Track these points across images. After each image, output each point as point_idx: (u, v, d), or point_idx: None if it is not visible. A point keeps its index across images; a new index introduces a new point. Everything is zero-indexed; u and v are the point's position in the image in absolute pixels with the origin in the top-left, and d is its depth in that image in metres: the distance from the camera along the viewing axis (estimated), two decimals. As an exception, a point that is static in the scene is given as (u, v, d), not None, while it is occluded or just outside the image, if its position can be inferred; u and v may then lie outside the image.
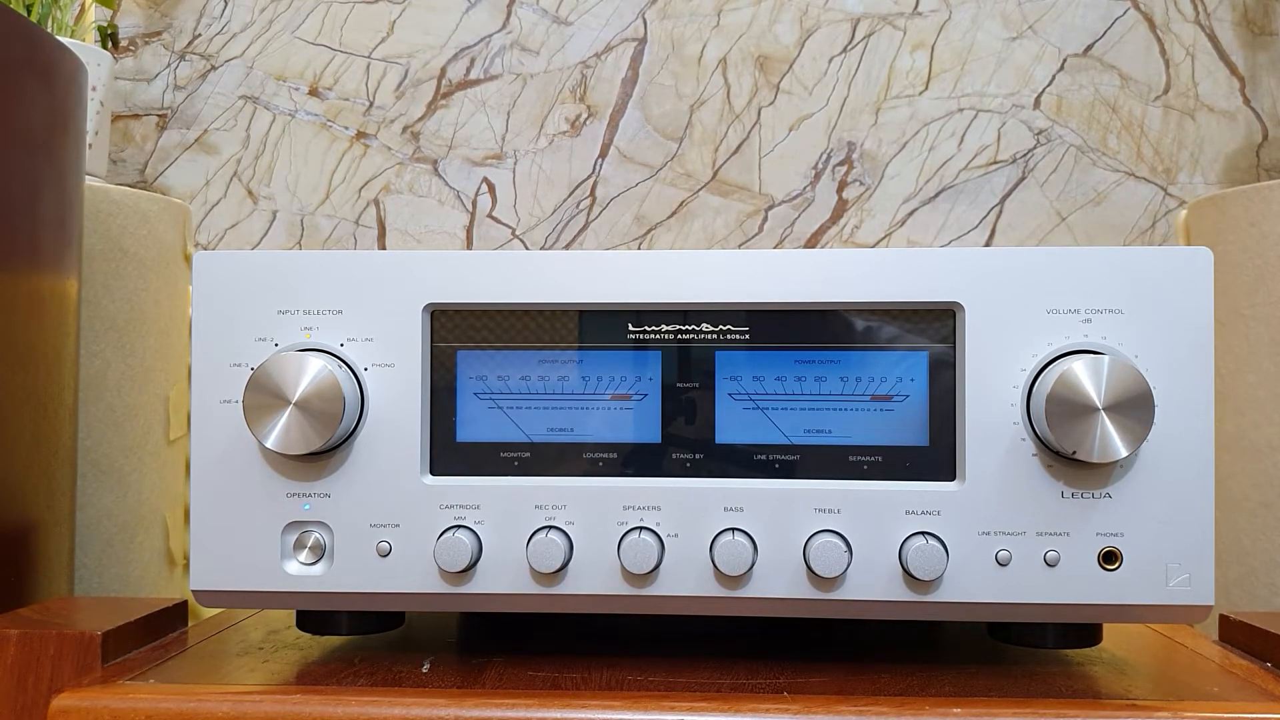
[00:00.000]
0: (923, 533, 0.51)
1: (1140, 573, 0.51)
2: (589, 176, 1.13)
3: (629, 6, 1.13)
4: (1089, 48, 1.10)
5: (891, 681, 0.51)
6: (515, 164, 1.14)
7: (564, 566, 0.52)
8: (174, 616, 0.62)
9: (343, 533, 0.53)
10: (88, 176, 0.87)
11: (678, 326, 0.54)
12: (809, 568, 0.51)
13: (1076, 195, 1.10)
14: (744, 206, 1.12)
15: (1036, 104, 1.11)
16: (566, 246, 1.13)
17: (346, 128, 1.14)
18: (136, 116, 1.15)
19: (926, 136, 1.11)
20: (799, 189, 1.12)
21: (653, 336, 0.54)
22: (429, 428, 0.54)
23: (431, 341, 0.54)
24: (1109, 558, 0.51)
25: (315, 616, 0.57)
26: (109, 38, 1.06)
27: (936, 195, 1.11)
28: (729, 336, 0.54)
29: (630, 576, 0.52)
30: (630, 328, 0.54)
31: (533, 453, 0.54)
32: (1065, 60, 1.10)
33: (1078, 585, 0.51)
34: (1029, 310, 0.52)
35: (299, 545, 0.54)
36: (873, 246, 1.11)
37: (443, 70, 1.14)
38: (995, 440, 0.52)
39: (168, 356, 0.92)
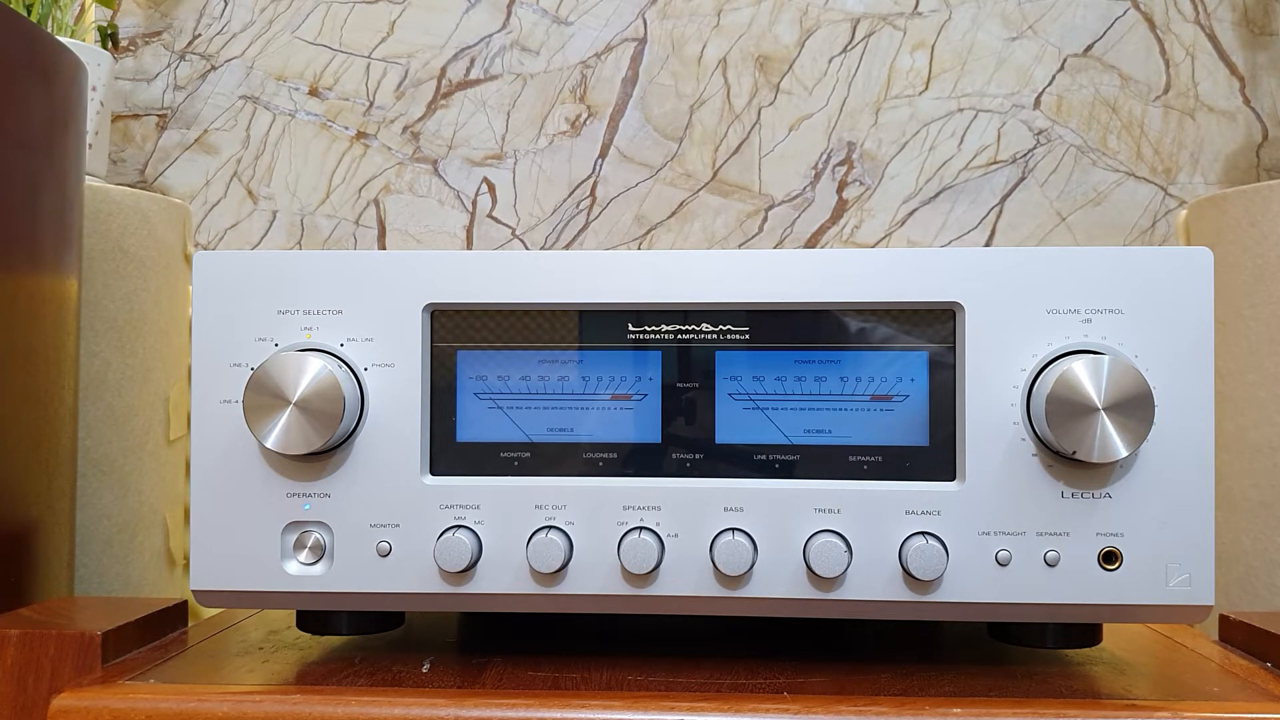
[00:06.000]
0: (923, 533, 0.51)
1: (1140, 573, 0.51)
2: (589, 176, 1.13)
3: (629, 6, 1.13)
4: (1089, 48, 1.10)
5: (891, 681, 0.51)
6: (515, 164, 1.14)
7: (564, 566, 0.52)
8: (174, 616, 0.62)
9: (343, 533, 0.53)
10: (88, 176, 0.87)
11: (678, 326, 0.54)
12: (809, 568, 0.51)
13: (1076, 195, 1.10)
14: (744, 206, 1.12)
15: (1036, 104, 1.11)
16: (566, 246, 1.13)
17: (346, 128, 1.14)
18: (136, 116, 1.15)
19: (926, 136, 1.11)
20: (799, 189, 1.12)
21: (653, 336, 0.54)
22: (429, 428, 0.54)
23: (431, 341, 0.54)
24: (1109, 558, 0.51)
25: (315, 616, 0.57)
26: (109, 38, 1.06)
27: (936, 195, 1.11)
28: (729, 336, 0.54)
29: (630, 576, 0.52)
30: (630, 328, 0.54)
31: (533, 453, 0.54)
32: (1065, 60, 1.10)
33: (1078, 585, 0.51)
34: (1029, 310, 0.52)
35: (299, 545, 0.54)
36: (873, 246, 1.11)
37: (443, 70, 1.14)
38: (995, 440, 0.52)
39: (168, 356, 0.92)
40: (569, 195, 1.13)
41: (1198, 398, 0.51)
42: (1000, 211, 1.11)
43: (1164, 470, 0.51)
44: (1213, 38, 1.10)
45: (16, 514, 0.67)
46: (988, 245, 1.10)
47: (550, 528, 0.52)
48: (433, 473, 0.54)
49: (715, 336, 0.54)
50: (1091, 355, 0.50)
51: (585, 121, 1.13)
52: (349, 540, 0.53)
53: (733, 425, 0.54)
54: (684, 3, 1.13)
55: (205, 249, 1.14)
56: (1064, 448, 0.49)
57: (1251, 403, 0.84)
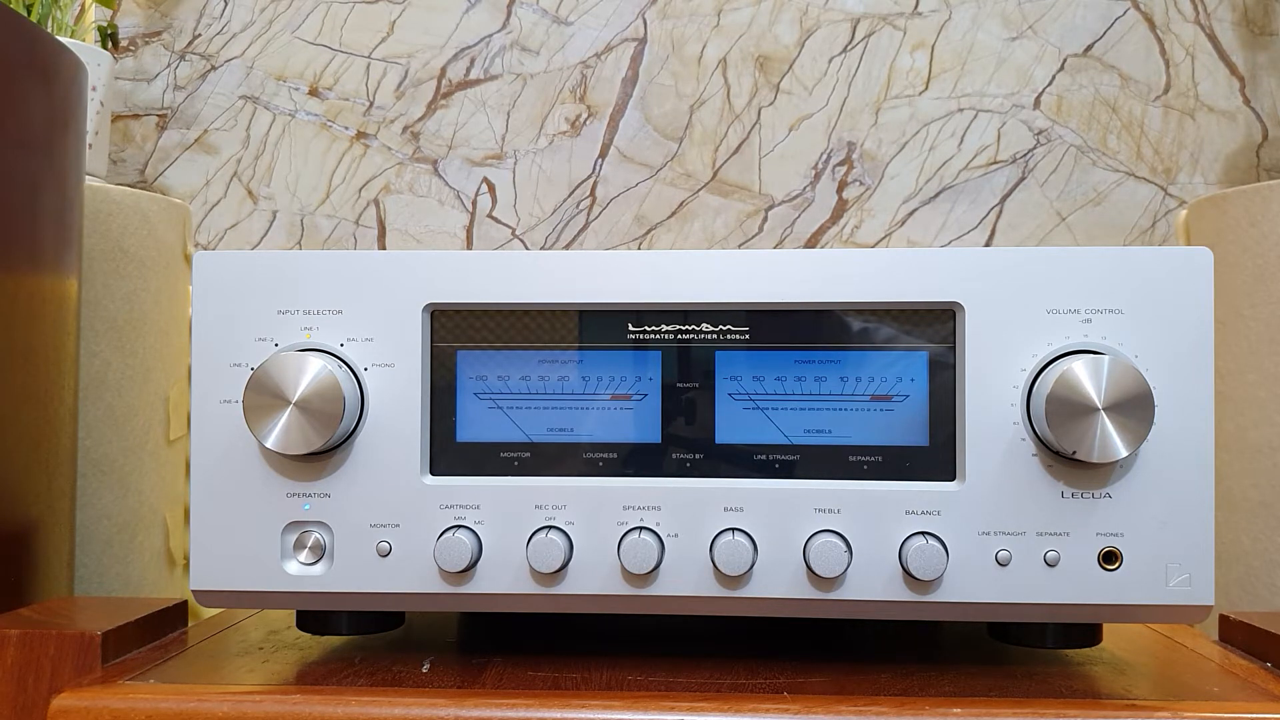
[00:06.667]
0: (923, 533, 0.51)
1: (1140, 573, 0.51)
2: (589, 176, 1.13)
3: (629, 6, 1.13)
4: (1089, 48, 1.10)
5: (891, 681, 0.51)
6: (515, 164, 1.14)
7: (564, 566, 0.52)
8: (174, 616, 0.62)
9: (343, 533, 0.53)
10: (88, 176, 0.87)
11: (678, 326, 0.54)
12: (809, 568, 0.51)
13: (1076, 195, 1.10)
14: (744, 206, 1.12)
15: (1036, 104, 1.11)
16: (566, 246, 1.13)
17: (346, 128, 1.14)
18: (136, 116, 1.15)
19: (926, 136, 1.11)
20: (799, 189, 1.12)
21: (653, 336, 0.54)
22: (429, 428, 0.54)
23: (431, 341, 0.54)
24: (1109, 558, 0.51)
25: (315, 616, 0.57)
26: (109, 38, 1.06)
27: (936, 195, 1.11)
28: (729, 336, 0.54)
29: (630, 576, 0.52)
30: (630, 328, 0.54)
31: (533, 453, 0.54)
32: (1065, 60, 1.10)
33: (1078, 585, 0.51)
34: (1029, 310, 0.52)
35: (299, 545, 0.54)
36: (873, 246, 1.11)
37: (443, 70, 1.14)
38: (995, 440, 0.52)
39: (168, 356, 0.92)
40: (569, 195, 1.13)
41: (1198, 398, 0.51)
42: (1000, 211, 1.11)
43: (1164, 470, 0.51)
44: (1213, 38, 1.10)
45: (16, 514, 0.67)
46: (988, 245, 1.10)
47: (550, 528, 0.52)
48: (433, 473, 0.54)
49: (715, 336, 0.54)
50: (1091, 355, 0.50)
51: (585, 121, 1.13)
52: (349, 540, 0.53)
53: (733, 425, 0.54)
54: (684, 3, 1.13)
55: (205, 249, 1.14)
56: (1064, 448, 0.49)
57: (1251, 403, 0.84)
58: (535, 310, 0.54)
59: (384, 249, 1.14)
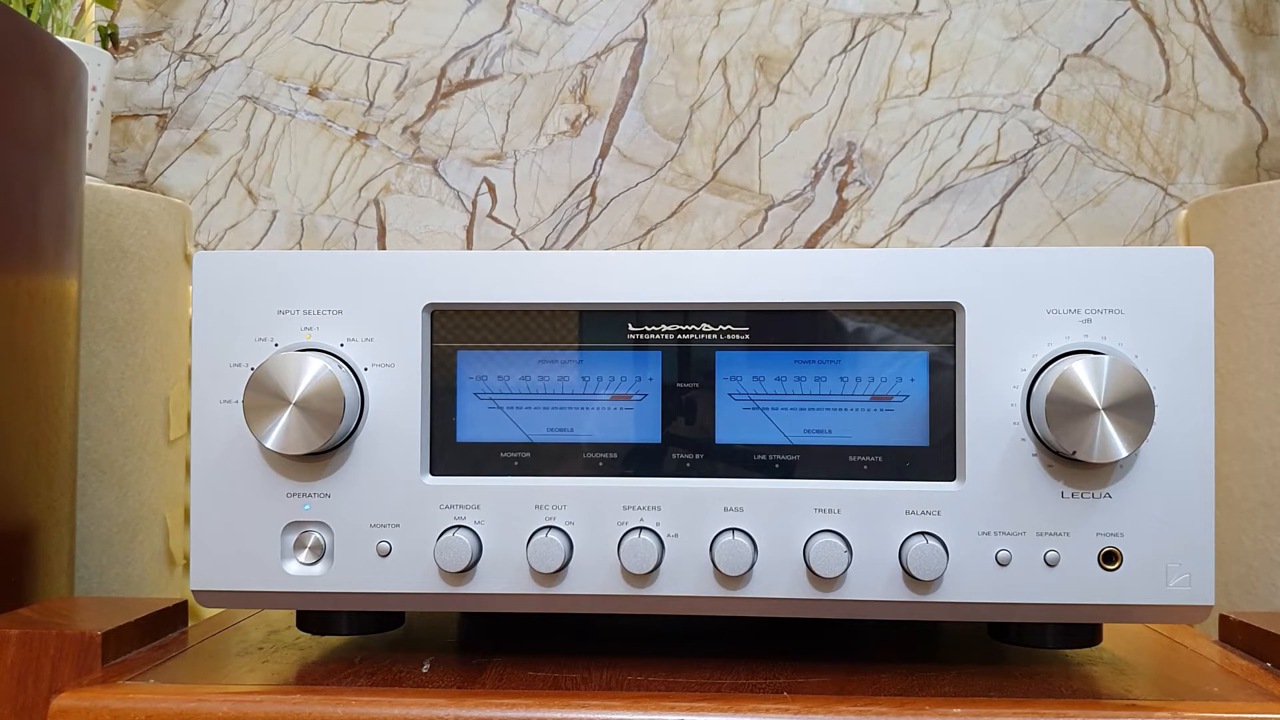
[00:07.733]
0: (923, 533, 0.51)
1: (1140, 573, 0.51)
2: (589, 176, 1.13)
3: (629, 6, 1.13)
4: (1089, 48, 1.10)
5: (891, 681, 0.51)
6: (515, 164, 1.14)
7: (564, 566, 0.52)
8: (174, 616, 0.62)
9: (343, 533, 0.53)
10: (88, 176, 0.87)
11: (678, 326, 0.54)
12: (809, 568, 0.51)
13: (1076, 195, 1.10)
14: (744, 206, 1.12)
15: (1036, 104, 1.11)
16: (566, 246, 1.13)
17: (346, 128, 1.14)
18: (136, 116, 1.15)
19: (926, 136, 1.11)
20: (799, 189, 1.12)
21: (653, 336, 0.54)
22: (429, 428, 0.54)
23: (431, 341, 0.54)
24: (1109, 558, 0.51)
25: (315, 616, 0.57)
26: (109, 38, 1.06)
27: (937, 195, 1.11)
28: (729, 336, 0.54)
29: (630, 576, 0.52)
30: (630, 328, 0.54)
31: (533, 453, 0.54)
32: (1065, 60, 1.10)
33: (1078, 585, 0.51)
34: (1029, 310, 0.52)
35: (299, 545, 0.54)
36: (873, 246, 1.11)
37: (443, 70, 1.14)
38: (995, 440, 0.52)
39: (168, 356, 0.92)
40: (569, 195, 1.13)
41: (1198, 398, 0.51)
42: (1000, 211, 1.11)
43: (1164, 470, 0.51)
44: (1213, 38, 1.10)
45: (16, 514, 0.67)
46: (988, 245, 1.10)
47: (550, 528, 0.52)
48: (433, 473, 0.54)
49: (715, 336, 0.54)
50: (1091, 355, 0.50)
51: (585, 121, 1.13)
52: (349, 540, 0.53)
53: (733, 425, 0.54)
54: (684, 3, 1.13)
55: (205, 249, 1.14)
56: (1064, 448, 0.49)
57: (1251, 403, 0.84)
58: (535, 310, 0.54)
59: (384, 249, 1.14)
